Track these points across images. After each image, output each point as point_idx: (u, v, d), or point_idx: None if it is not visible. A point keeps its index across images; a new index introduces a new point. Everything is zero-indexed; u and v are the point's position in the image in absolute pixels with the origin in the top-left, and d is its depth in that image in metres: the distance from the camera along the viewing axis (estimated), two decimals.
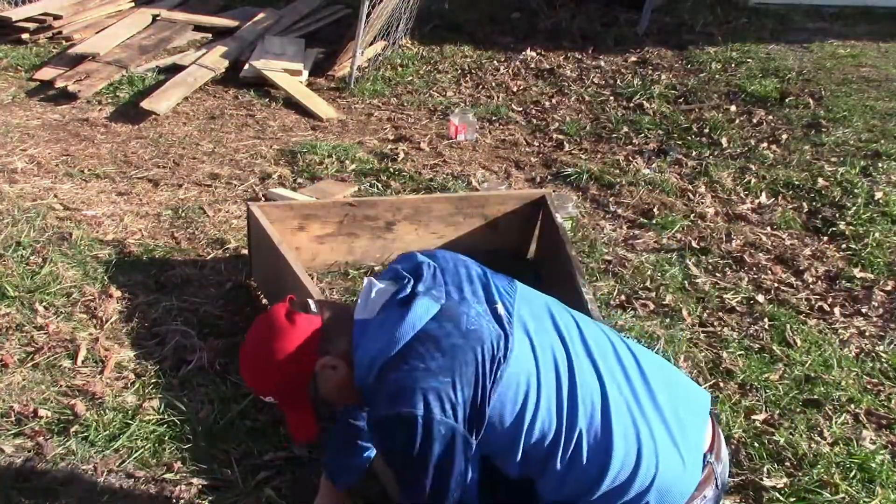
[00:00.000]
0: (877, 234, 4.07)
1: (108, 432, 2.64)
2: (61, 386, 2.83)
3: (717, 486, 1.95)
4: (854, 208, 4.30)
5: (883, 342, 3.33)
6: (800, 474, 2.63)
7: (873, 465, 2.66)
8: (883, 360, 3.22)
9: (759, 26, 7.39)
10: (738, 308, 3.52)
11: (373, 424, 1.83)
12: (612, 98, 5.83)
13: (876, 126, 5.36)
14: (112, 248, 3.69)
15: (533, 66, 6.47)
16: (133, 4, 7.00)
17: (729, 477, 2.60)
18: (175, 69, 5.84)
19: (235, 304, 3.38)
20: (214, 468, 2.54)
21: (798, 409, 2.92)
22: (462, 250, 3.75)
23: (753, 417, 2.88)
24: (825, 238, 4.11)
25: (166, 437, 2.64)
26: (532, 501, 1.95)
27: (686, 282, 3.68)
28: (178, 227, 3.92)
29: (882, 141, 5.12)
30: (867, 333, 3.39)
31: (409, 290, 1.86)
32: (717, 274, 3.77)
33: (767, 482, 2.60)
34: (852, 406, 2.96)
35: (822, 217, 4.28)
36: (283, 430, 2.70)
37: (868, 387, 3.07)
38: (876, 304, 3.58)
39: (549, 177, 4.68)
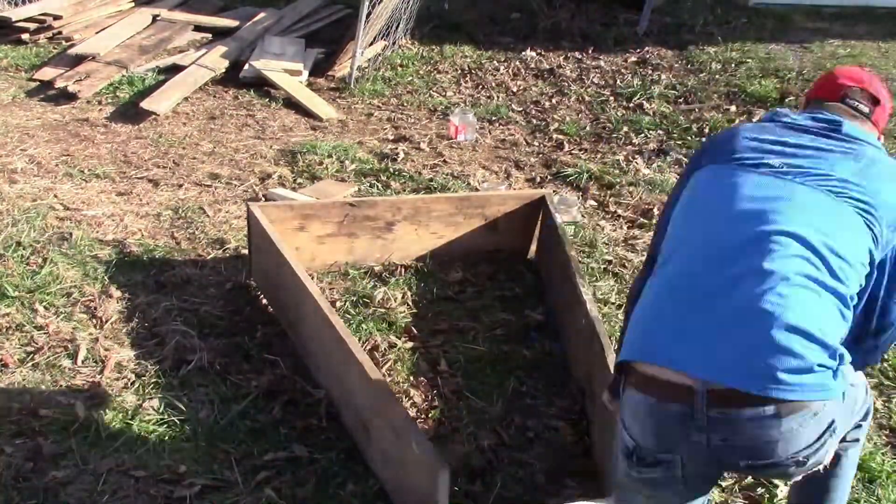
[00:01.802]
0: None
1: (108, 432, 2.63)
2: (61, 386, 2.83)
3: None
4: None
5: None
6: None
7: (873, 465, 2.66)
8: (883, 360, 3.21)
9: (759, 26, 7.39)
10: None
11: None
12: (612, 98, 5.83)
13: None
14: (112, 248, 3.69)
15: (533, 66, 6.47)
16: (133, 4, 7.00)
17: (728, 477, 2.60)
18: (175, 69, 5.84)
19: (235, 304, 3.38)
20: (214, 468, 2.54)
21: None
22: (462, 251, 3.78)
23: None
24: None
25: (166, 437, 2.64)
26: None
27: None
28: (178, 227, 3.92)
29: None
30: None
31: None
32: None
33: (767, 482, 2.59)
34: None
35: None
36: (282, 430, 2.71)
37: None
38: None
39: (549, 177, 4.68)
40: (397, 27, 6.47)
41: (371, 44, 6.25)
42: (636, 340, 1.86)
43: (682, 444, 1.76)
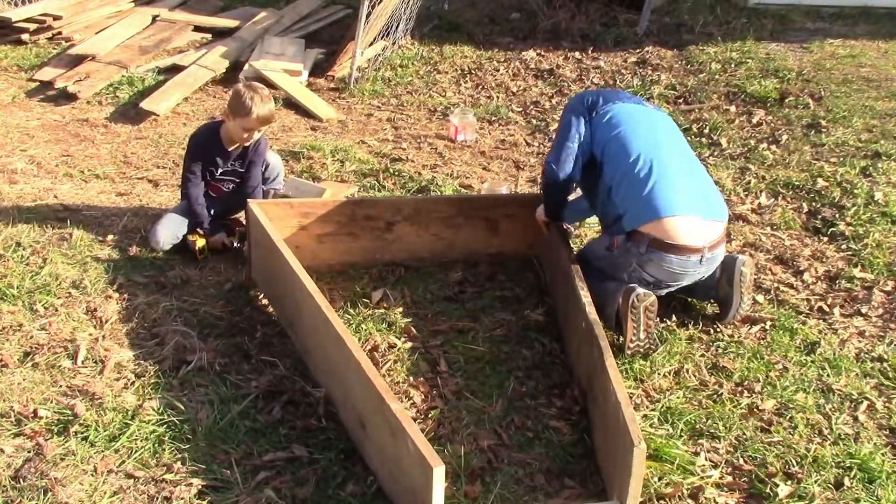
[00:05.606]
0: (877, 235, 4.07)
1: (108, 432, 2.63)
2: (61, 386, 2.83)
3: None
4: (854, 208, 4.30)
5: (883, 342, 3.33)
6: (800, 474, 2.63)
7: (873, 465, 2.66)
8: (883, 360, 3.22)
9: (759, 26, 7.39)
10: None
11: None
12: None
13: (876, 126, 5.36)
14: (112, 248, 3.69)
15: (533, 66, 6.47)
16: (133, 4, 7.00)
17: (728, 476, 2.60)
18: (175, 69, 5.85)
19: (235, 304, 3.38)
20: (214, 468, 2.54)
21: (798, 409, 2.92)
22: (463, 252, 3.78)
23: (753, 418, 2.88)
24: (825, 238, 4.11)
25: (166, 438, 2.64)
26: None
27: None
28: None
29: (882, 141, 5.12)
30: (867, 334, 3.39)
31: None
32: None
33: (767, 482, 2.60)
34: (852, 406, 2.96)
35: (822, 217, 4.28)
36: (282, 430, 2.71)
37: (868, 387, 3.07)
38: (876, 305, 3.58)
39: None
40: (397, 27, 6.47)
41: (371, 44, 6.25)
42: (659, 207, 3.12)
43: (689, 275, 3.20)
